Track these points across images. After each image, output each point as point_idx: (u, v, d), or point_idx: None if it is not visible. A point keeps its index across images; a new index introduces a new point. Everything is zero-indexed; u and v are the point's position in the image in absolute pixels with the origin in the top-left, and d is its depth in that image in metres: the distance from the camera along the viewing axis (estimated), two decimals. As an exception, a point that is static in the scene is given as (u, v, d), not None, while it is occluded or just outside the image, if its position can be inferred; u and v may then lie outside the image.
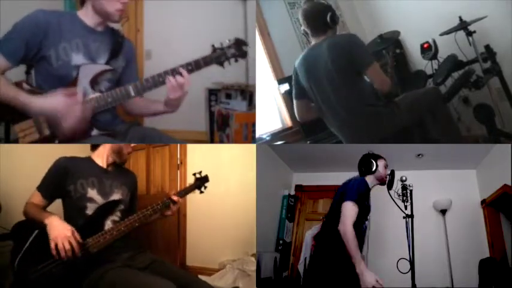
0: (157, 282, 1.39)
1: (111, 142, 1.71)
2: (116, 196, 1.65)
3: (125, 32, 3.39)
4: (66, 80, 1.64)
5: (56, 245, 1.37)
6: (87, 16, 1.71)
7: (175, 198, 1.67)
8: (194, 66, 1.68)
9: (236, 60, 1.76)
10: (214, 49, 1.72)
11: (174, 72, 1.66)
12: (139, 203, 1.81)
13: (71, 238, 1.38)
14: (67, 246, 1.37)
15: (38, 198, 1.56)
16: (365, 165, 1.88)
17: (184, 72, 1.65)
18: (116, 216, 1.61)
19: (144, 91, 1.68)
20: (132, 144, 1.77)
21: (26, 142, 1.58)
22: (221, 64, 1.73)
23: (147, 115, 1.99)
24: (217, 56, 1.71)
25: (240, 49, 1.74)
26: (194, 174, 1.87)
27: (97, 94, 1.67)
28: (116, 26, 1.85)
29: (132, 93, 1.67)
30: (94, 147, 1.72)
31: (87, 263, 1.42)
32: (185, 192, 1.77)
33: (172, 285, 1.39)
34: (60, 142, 1.64)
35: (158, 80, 1.66)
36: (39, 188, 1.58)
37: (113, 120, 1.81)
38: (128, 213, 1.61)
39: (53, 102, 1.59)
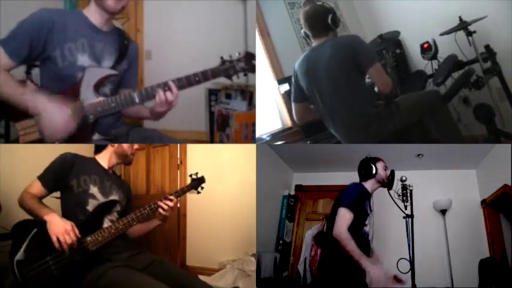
0: (154, 284, 1.39)
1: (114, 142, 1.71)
2: (114, 197, 1.67)
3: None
4: (72, 81, 1.63)
5: (58, 239, 1.37)
6: (92, 14, 1.69)
7: (170, 197, 1.67)
8: (202, 77, 1.66)
9: (245, 75, 1.71)
10: (223, 61, 1.67)
11: (166, 86, 1.64)
12: (139, 203, 1.80)
13: (71, 232, 1.39)
14: (68, 240, 1.37)
15: (37, 188, 1.55)
16: (364, 170, 1.87)
17: (174, 88, 1.64)
18: (113, 217, 1.63)
19: (149, 99, 1.67)
20: (136, 146, 1.77)
21: (26, 141, 1.57)
22: (229, 77, 1.69)
23: (133, 117, 1.98)
24: (226, 69, 1.68)
25: (249, 63, 1.69)
26: (190, 175, 1.87)
27: (101, 98, 1.65)
28: (119, 26, 1.83)
29: (137, 100, 1.65)
30: (98, 150, 1.73)
31: (86, 261, 1.42)
32: (182, 192, 1.77)
33: None
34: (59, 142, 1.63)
35: (163, 89, 1.65)
36: (41, 178, 1.57)
37: (114, 122, 1.80)
38: (124, 216, 1.61)
39: (49, 106, 1.56)
